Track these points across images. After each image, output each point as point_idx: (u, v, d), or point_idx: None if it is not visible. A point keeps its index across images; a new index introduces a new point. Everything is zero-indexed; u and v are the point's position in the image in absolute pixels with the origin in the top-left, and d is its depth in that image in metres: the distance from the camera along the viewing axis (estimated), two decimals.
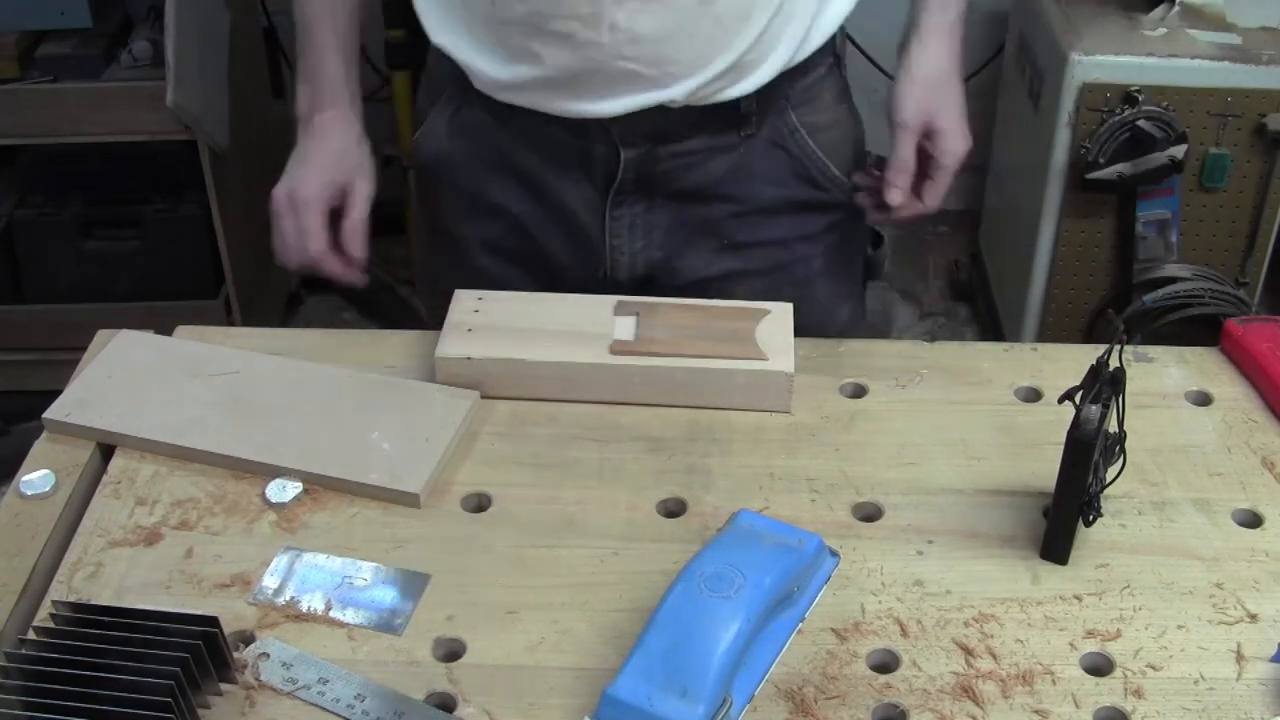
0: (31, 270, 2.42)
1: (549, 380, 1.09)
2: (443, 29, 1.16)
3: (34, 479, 0.99)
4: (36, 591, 0.92)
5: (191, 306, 2.38)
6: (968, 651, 0.87)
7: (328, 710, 0.83)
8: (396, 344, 1.16)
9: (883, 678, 0.85)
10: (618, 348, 1.09)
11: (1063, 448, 0.90)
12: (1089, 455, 0.89)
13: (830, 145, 1.22)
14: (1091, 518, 0.94)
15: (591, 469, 1.03)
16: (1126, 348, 1.04)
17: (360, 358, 1.14)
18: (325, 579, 0.92)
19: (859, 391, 1.11)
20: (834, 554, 0.94)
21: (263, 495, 0.99)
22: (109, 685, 0.78)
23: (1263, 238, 2.29)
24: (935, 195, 1.15)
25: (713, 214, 1.21)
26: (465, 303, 1.14)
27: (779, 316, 1.12)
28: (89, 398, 1.06)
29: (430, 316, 1.20)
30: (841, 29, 1.20)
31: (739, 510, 0.92)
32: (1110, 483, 0.94)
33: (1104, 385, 0.90)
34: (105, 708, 0.77)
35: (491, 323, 1.12)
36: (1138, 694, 0.84)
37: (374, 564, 0.94)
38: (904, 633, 0.89)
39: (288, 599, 0.91)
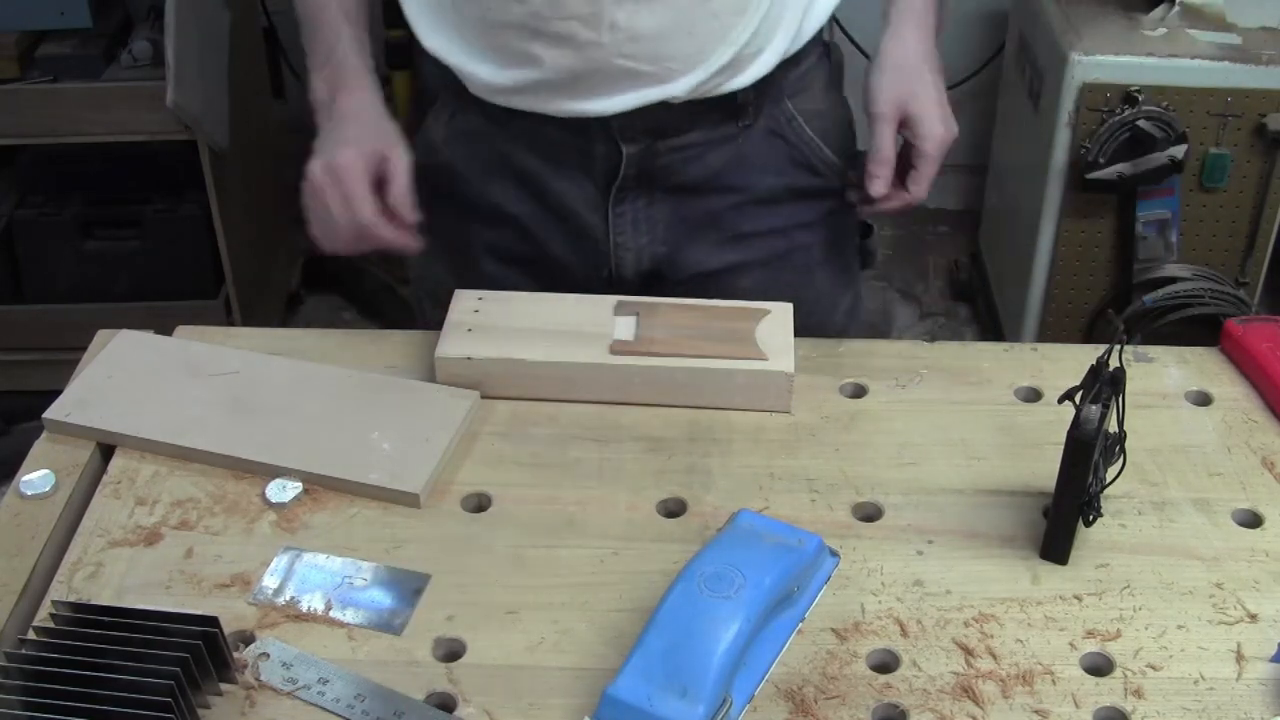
0: (31, 270, 2.42)
1: (549, 380, 1.09)
2: (435, 35, 1.15)
3: (34, 479, 0.99)
4: (36, 591, 0.92)
5: (191, 306, 2.38)
6: (968, 651, 0.87)
7: (328, 710, 0.83)
8: (396, 344, 1.16)
9: (883, 678, 0.85)
10: (618, 348, 1.09)
11: (1063, 448, 0.90)
12: (1089, 455, 0.89)
13: (825, 132, 1.23)
14: (1091, 518, 0.94)
15: (591, 469, 1.03)
16: (1126, 348, 1.04)
17: (360, 358, 1.14)
18: (325, 579, 0.93)
19: (859, 391, 1.11)
20: (834, 554, 0.94)
21: (263, 495, 0.99)
22: (109, 685, 0.78)
23: (1263, 238, 2.29)
24: (921, 184, 1.14)
25: (714, 205, 1.21)
26: (465, 303, 1.14)
27: (779, 316, 1.12)
28: (89, 398, 1.06)
29: (430, 319, 1.20)
30: (832, 17, 1.20)
31: (739, 510, 0.92)
32: (1110, 483, 0.94)
33: (1104, 385, 0.90)
34: (105, 708, 0.77)
35: (491, 323, 1.12)
36: (1138, 694, 0.84)
37: (374, 564, 0.94)
38: (904, 633, 0.89)
39: (288, 599, 0.91)
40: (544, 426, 1.07)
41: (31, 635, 0.82)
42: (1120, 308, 2.30)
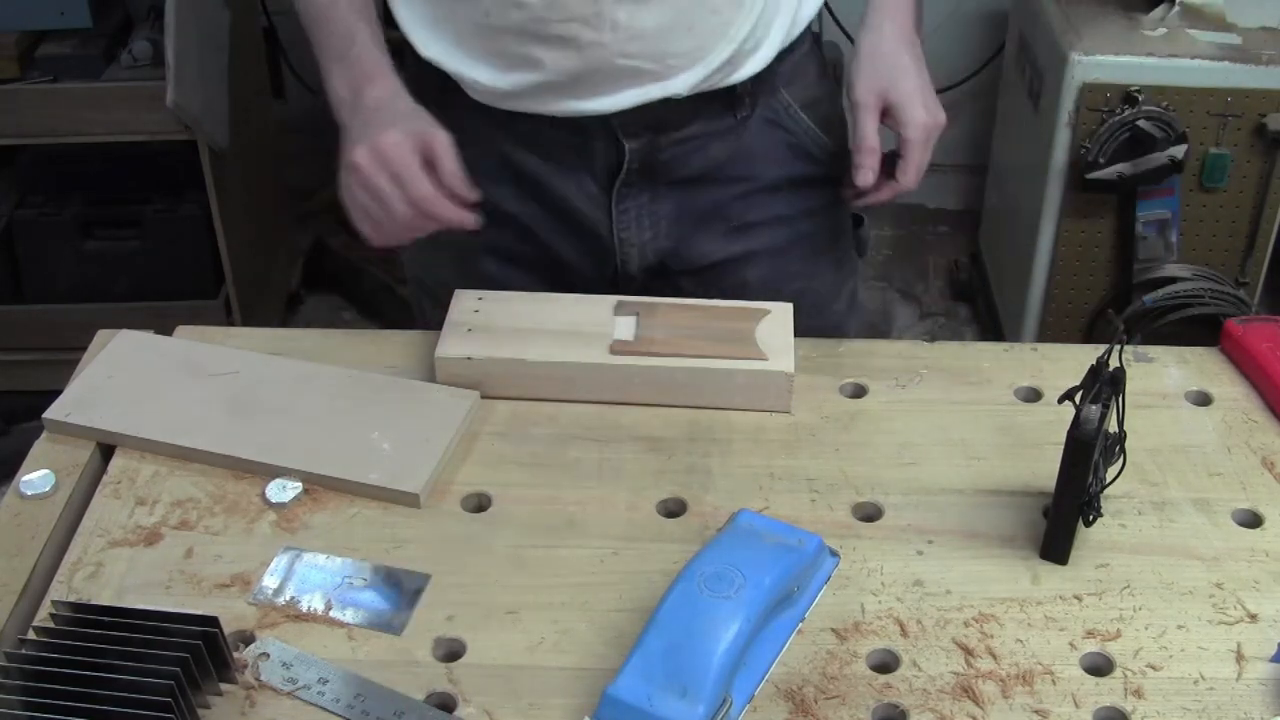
0: (31, 270, 2.42)
1: (549, 380, 1.09)
2: (432, 43, 1.14)
3: (34, 479, 0.99)
4: (36, 591, 0.92)
5: (191, 306, 2.38)
6: (968, 651, 0.87)
7: (328, 710, 0.83)
8: (396, 344, 1.16)
9: (883, 678, 0.85)
10: (618, 348, 1.09)
11: (1063, 448, 0.90)
12: (1089, 455, 0.89)
13: (821, 119, 1.23)
14: (1091, 518, 0.94)
15: (591, 469, 1.03)
16: (1126, 348, 1.04)
17: (360, 358, 1.14)
18: (325, 579, 0.92)
19: (859, 391, 1.11)
20: (834, 554, 0.94)
21: (263, 495, 0.99)
22: (109, 685, 0.78)
23: (1263, 238, 2.29)
24: (909, 173, 1.13)
25: (717, 197, 1.22)
26: (465, 303, 1.14)
27: (779, 316, 1.12)
28: (89, 398, 1.06)
29: (430, 319, 1.19)
30: (825, 7, 1.20)
31: (739, 510, 0.92)
32: (1110, 483, 0.94)
33: (1104, 385, 0.90)
34: (105, 708, 0.77)
35: (491, 323, 1.12)
36: (1138, 694, 0.84)
37: (374, 564, 0.94)
38: (904, 633, 0.89)
39: (288, 599, 0.91)
40: (544, 426, 1.07)
41: (31, 635, 0.82)
42: (1120, 308, 2.30)
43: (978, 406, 1.10)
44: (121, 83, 2.21)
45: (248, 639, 0.88)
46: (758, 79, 1.17)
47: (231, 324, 2.42)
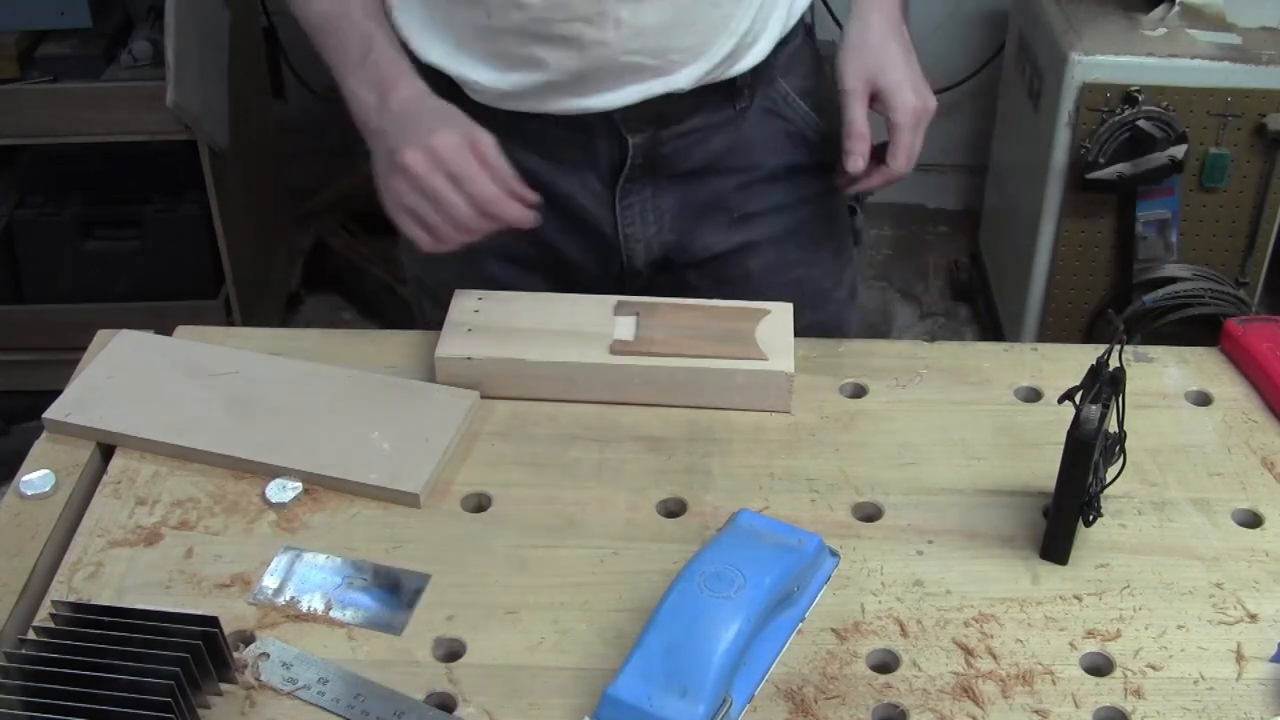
0: (31, 270, 2.42)
1: (549, 380, 1.09)
2: (432, 48, 1.14)
3: (34, 479, 0.99)
4: (36, 591, 0.92)
5: (191, 306, 2.38)
6: (968, 651, 0.87)
7: (328, 710, 0.83)
8: (396, 344, 1.16)
9: (883, 678, 0.85)
10: (618, 348, 1.09)
11: (1063, 448, 0.90)
12: (1089, 455, 0.89)
13: (818, 106, 1.24)
14: (1091, 518, 0.94)
15: (591, 469, 1.03)
16: (1126, 348, 1.04)
17: (360, 358, 1.14)
18: (325, 579, 0.92)
19: (859, 391, 1.11)
20: (834, 554, 0.94)
21: (263, 495, 0.99)
22: (109, 685, 0.78)
23: (1263, 238, 2.29)
24: (900, 157, 1.14)
25: (720, 188, 1.23)
26: (465, 303, 1.14)
27: (779, 316, 1.12)
28: (89, 398, 1.06)
29: (430, 320, 1.19)
30: None
31: (739, 510, 0.92)
32: (1110, 483, 0.94)
33: (1104, 385, 0.90)
34: (105, 708, 0.77)
35: (491, 323, 1.12)
36: (1138, 694, 0.84)
37: (374, 564, 0.94)
38: (904, 633, 0.89)
39: (288, 599, 0.91)
40: (544, 426, 1.07)
41: (31, 635, 0.82)
42: (1120, 308, 2.30)
43: (978, 406, 1.10)
44: (121, 83, 2.21)
45: (248, 639, 0.88)
46: (756, 70, 1.17)
47: (231, 324, 2.41)
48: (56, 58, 2.22)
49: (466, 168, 1.01)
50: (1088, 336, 2.37)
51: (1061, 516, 0.93)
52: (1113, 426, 0.93)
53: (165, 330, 1.17)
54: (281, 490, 0.99)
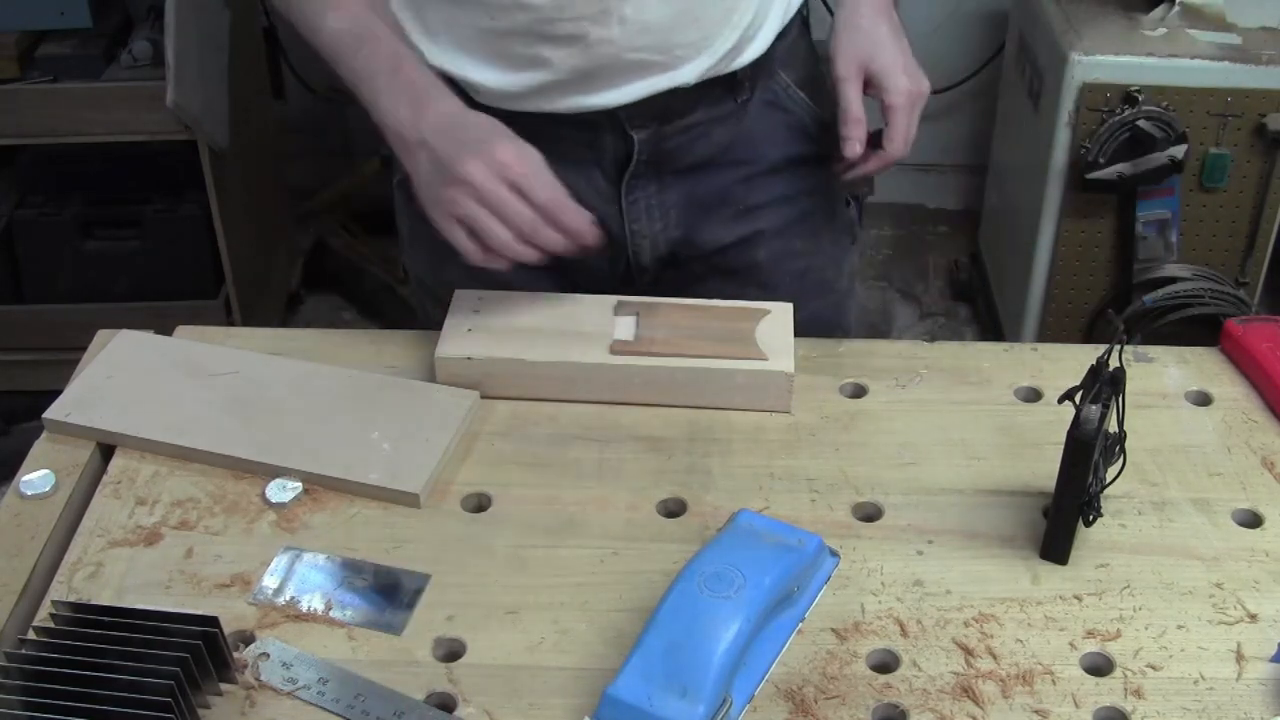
0: (31, 270, 2.42)
1: (549, 380, 1.09)
2: (435, 52, 1.14)
3: (34, 479, 0.99)
4: (36, 591, 0.92)
5: (191, 306, 2.38)
6: (968, 651, 0.87)
7: (328, 710, 0.83)
8: (396, 344, 1.16)
9: (883, 678, 0.85)
10: (618, 348, 1.09)
11: (1063, 448, 0.90)
12: (1089, 455, 0.89)
13: (816, 96, 1.25)
14: (1091, 518, 0.94)
15: (591, 469, 1.03)
16: (1126, 348, 1.04)
17: (360, 358, 1.14)
18: (325, 579, 0.92)
19: (859, 391, 1.11)
20: (834, 554, 0.94)
21: (263, 495, 0.99)
22: (109, 685, 0.78)
23: (1263, 238, 2.29)
24: (896, 141, 1.14)
25: (724, 181, 1.23)
26: (465, 303, 1.14)
27: (779, 316, 1.12)
28: (89, 398, 1.06)
29: (434, 320, 1.19)
30: None
31: (739, 510, 0.92)
32: (1110, 483, 0.94)
33: (1104, 385, 0.90)
34: (105, 708, 0.77)
35: (491, 323, 1.12)
36: (1138, 694, 0.84)
37: (374, 564, 0.94)
38: (904, 633, 0.89)
39: (288, 599, 0.91)
40: (544, 426, 1.07)
41: (31, 635, 0.82)
42: (1120, 308, 2.30)
43: (978, 406, 1.10)
44: (121, 83, 2.22)
45: (248, 639, 0.88)
46: (756, 63, 1.18)
47: (231, 324, 2.42)
48: (56, 58, 2.23)
49: (528, 178, 1.01)
50: (1088, 336, 2.37)
51: (1061, 516, 0.93)
52: (1113, 426, 0.93)
53: (165, 330, 1.17)
54: (281, 490, 0.99)
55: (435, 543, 0.96)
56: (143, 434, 1.03)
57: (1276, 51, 2.15)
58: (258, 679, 0.84)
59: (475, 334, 1.10)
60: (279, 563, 0.93)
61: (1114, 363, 0.90)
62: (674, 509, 0.99)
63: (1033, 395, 1.11)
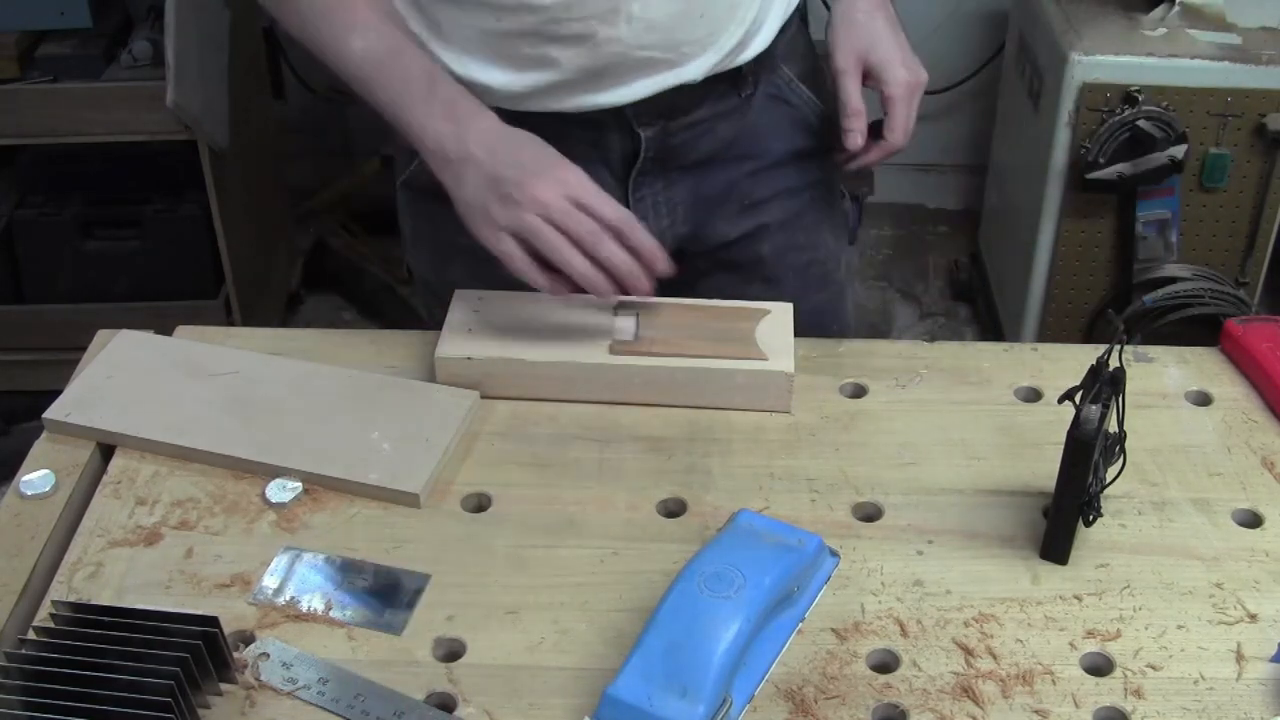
0: (31, 270, 2.42)
1: (549, 380, 1.09)
2: (442, 54, 1.14)
3: (34, 479, 0.99)
4: (36, 591, 0.92)
5: (191, 306, 2.38)
6: (968, 651, 0.87)
7: (328, 710, 0.83)
8: (396, 344, 1.16)
9: (883, 678, 0.85)
10: (618, 348, 1.09)
11: (1063, 448, 0.90)
12: (1089, 455, 0.89)
13: (817, 89, 1.26)
14: (1091, 518, 0.94)
15: (591, 469, 1.03)
16: (1126, 348, 1.04)
17: (360, 358, 1.14)
18: (325, 579, 0.92)
19: (859, 391, 1.11)
20: (834, 554, 0.94)
21: (263, 495, 0.99)
22: (109, 685, 0.78)
23: (1263, 238, 2.29)
24: (896, 131, 1.16)
25: (729, 176, 1.24)
26: (465, 303, 1.14)
27: (779, 316, 1.12)
28: (89, 398, 1.06)
29: (438, 321, 1.19)
30: None
31: (739, 510, 0.92)
32: (1110, 483, 0.94)
33: (1104, 385, 0.90)
34: (105, 708, 0.77)
35: (491, 323, 1.12)
36: (1138, 694, 0.84)
37: (374, 564, 0.94)
38: (904, 633, 0.89)
39: (288, 599, 0.91)
40: (544, 426, 1.07)
41: (31, 635, 0.82)
42: (1120, 308, 2.30)
43: (978, 406, 1.10)
44: (121, 83, 2.21)
45: (248, 639, 0.88)
46: (759, 58, 1.19)
47: (231, 324, 2.42)
48: (56, 58, 2.22)
49: (598, 200, 1.02)
50: (1088, 336, 2.37)
51: (1061, 516, 0.93)
52: (1113, 426, 0.93)
53: (165, 330, 1.17)
54: (281, 490, 0.99)
55: (435, 543, 0.96)
56: (143, 434, 1.03)
57: (1276, 51, 2.15)
58: (258, 679, 0.84)
59: (475, 334, 1.10)
60: (279, 563, 0.93)
61: (1114, 363, 0.90)
62: (674, 509, 0.99)
63: (1033, 395, 1.11)
